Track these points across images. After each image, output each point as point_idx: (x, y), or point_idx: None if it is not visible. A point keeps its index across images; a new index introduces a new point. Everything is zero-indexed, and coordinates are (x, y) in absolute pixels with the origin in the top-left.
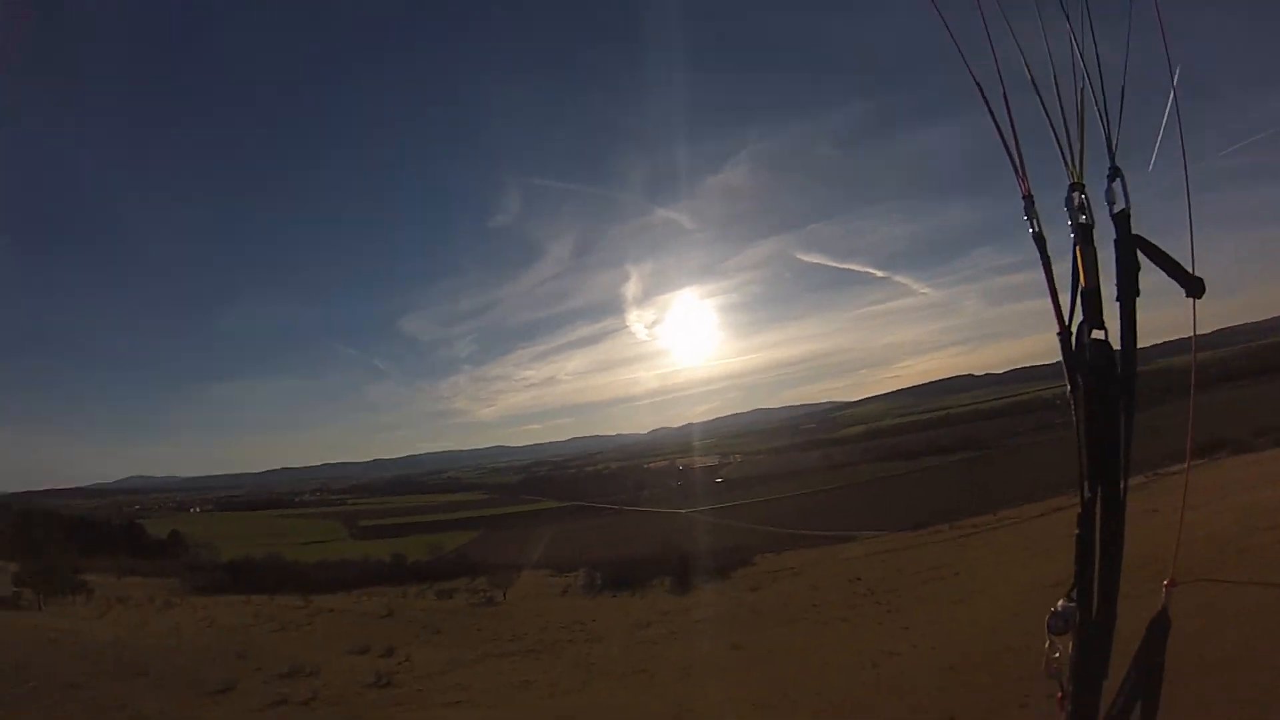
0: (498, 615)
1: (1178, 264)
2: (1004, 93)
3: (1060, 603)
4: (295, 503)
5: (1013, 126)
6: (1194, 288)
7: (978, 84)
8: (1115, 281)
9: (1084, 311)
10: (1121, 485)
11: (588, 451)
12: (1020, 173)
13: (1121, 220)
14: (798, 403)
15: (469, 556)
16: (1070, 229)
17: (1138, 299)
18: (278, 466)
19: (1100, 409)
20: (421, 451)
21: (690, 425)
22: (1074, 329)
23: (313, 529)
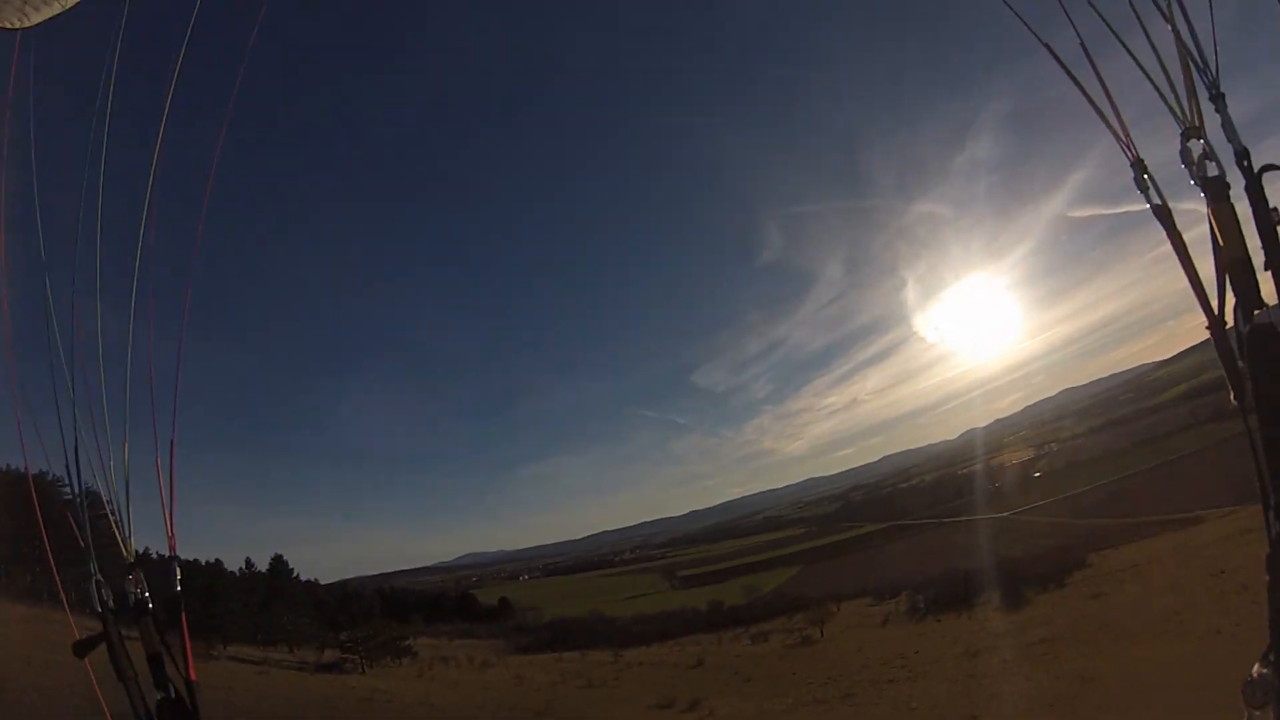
0: (813, 656)
1: None
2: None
3: (1255, 668)
4: (616, 561)
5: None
6: None
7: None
8: (1262, 246)
9: (1234, 289)
10: None
11: (900, 467)
12: (1123, 136)
13: (1245, 161)
14: (1106, 373)
15: (787, 594)
16: (1197, 185)
17: None
18: (597, 530)
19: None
20: (735, 496)
21: (998, 420)
22: (1227, 316)
23: (633, 584)
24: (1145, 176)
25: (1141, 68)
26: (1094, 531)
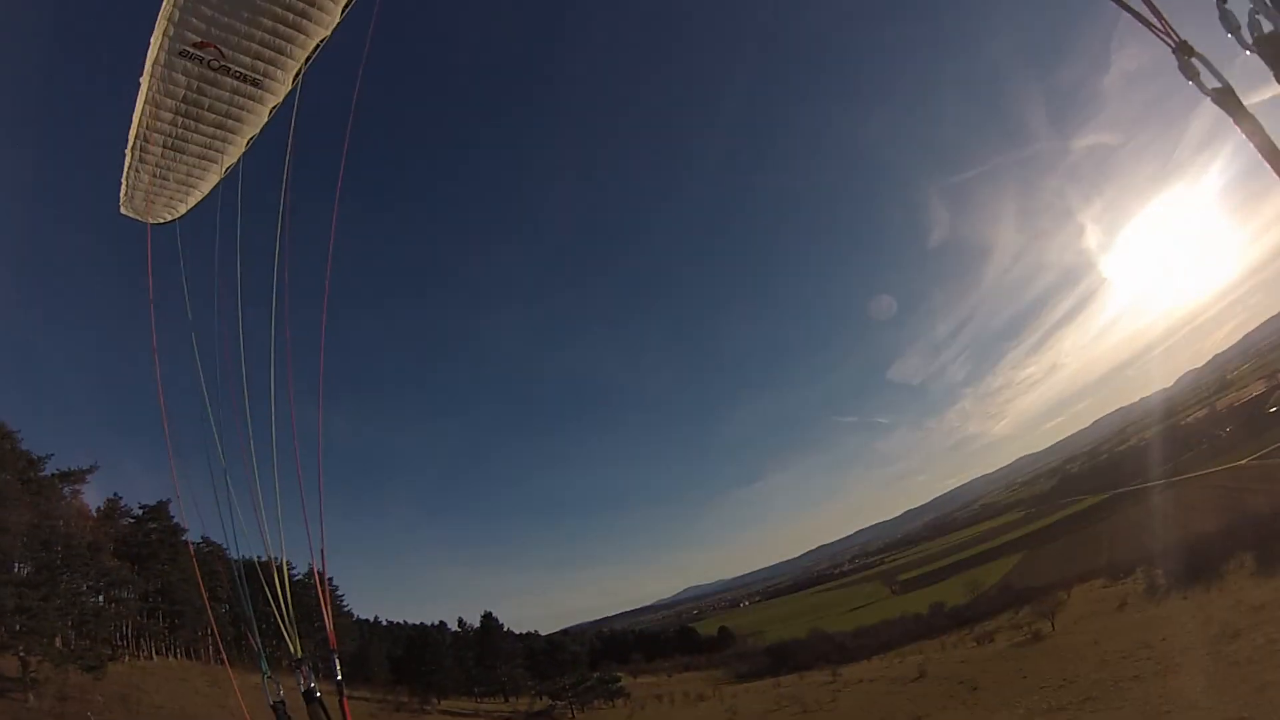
0: (1045, 653)
1: None
2: None
3: None
4: (835, 575)
5: None
6: None
7: None
8: None
9: None
10: None
11: (1115, 428)
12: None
13: None
14: None
15: (1012, 586)
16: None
17: None
18: (813, 546)
19: None
20: (948, 489)
21: (1216, 356)
22: None
23: (854, 596)
24: (1192, 60)
25: None
26: None
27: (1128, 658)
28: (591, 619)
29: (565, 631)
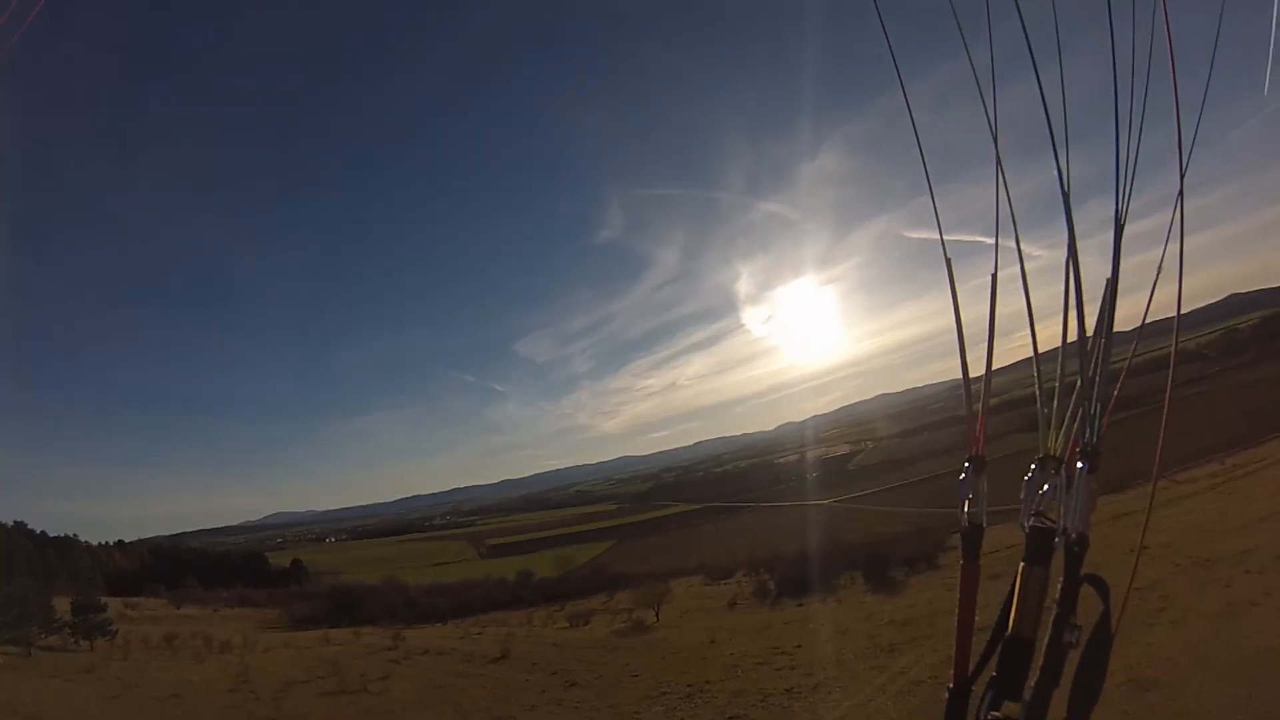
0: (653, 646)
1: None
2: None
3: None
4: (426, 527)
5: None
6: None
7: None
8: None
9: None
10: None
11: (715, 454)
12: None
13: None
14: (920, 384)
15: (606, 569)
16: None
17: None
18: (409, 495)
19: None
20: (549, 469)
21: (815, 417)
22: None
23: (441, 551)
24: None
25: None
26: (937, 518)
27: (761, 661)
28: (171, 531)
29: (140, 542)
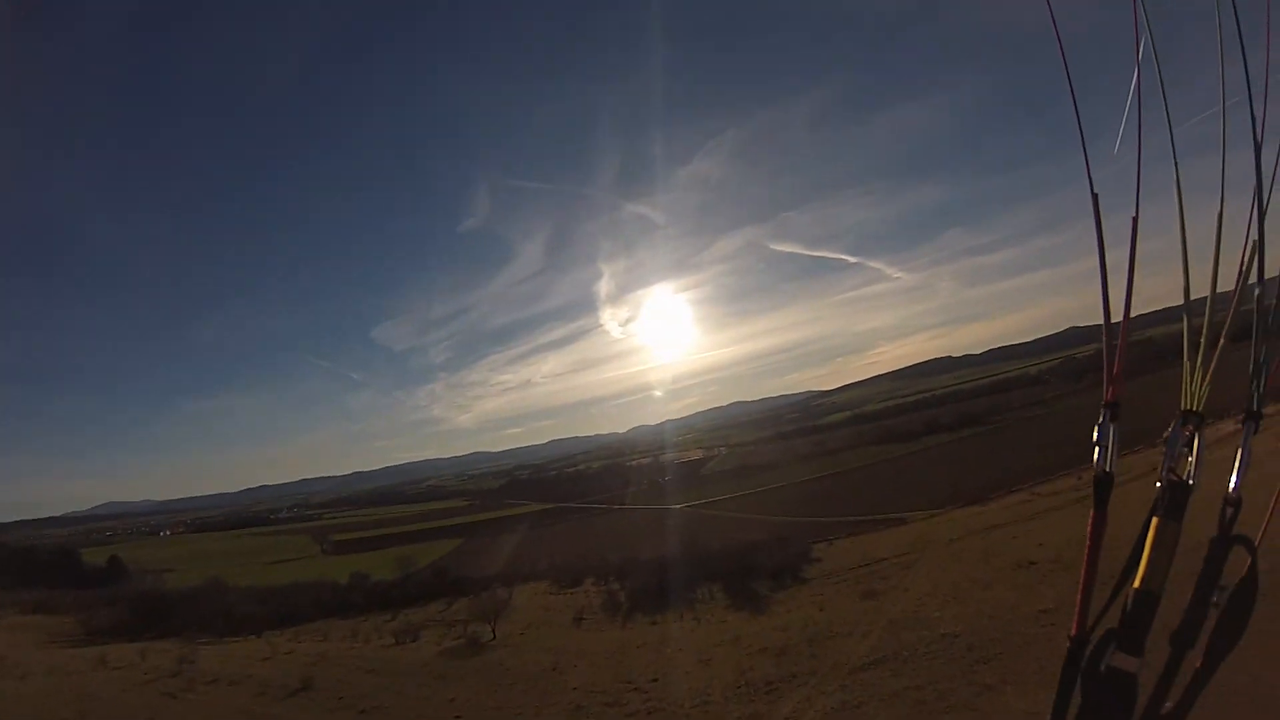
0: (486, 671)
1: None
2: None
3: None
4: (270, 520)
5: None
6: None
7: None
8: None
9: None
10: None
11: (568, 453)
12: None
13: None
14: (775, 394)
15: (448, 571)
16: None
17: None
18: (256, 484)
19: None
20: (401, 461)
21: (669, 421)
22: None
23: (283, 547)
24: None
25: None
26: (791, 527)
27: (610, 699)
28: None
29: None
